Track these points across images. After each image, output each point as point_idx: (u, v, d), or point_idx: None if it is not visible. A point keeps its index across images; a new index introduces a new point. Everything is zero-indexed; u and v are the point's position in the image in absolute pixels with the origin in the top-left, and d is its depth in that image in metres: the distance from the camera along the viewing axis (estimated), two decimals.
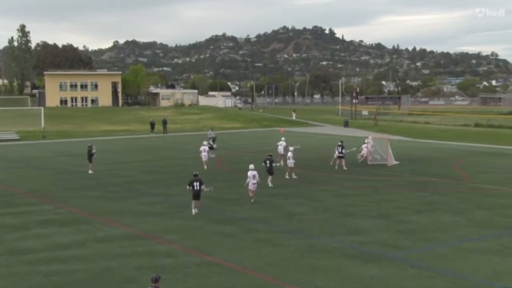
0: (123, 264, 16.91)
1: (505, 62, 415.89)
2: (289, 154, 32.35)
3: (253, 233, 20.67)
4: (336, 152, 36.99)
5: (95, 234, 20.46)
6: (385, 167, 37.59)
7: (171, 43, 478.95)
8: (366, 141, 40.40)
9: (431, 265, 16.91)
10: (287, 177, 32.30)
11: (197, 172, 25.00)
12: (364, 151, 39.51)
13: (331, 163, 37.12)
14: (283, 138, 40.72)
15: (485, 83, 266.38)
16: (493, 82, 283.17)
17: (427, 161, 40.43)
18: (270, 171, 29.60)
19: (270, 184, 29.87)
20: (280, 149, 38.55)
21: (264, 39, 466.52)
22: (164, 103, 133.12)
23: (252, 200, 25.87)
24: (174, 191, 29.24)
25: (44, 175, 35.58)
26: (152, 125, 68.46)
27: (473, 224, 22.07)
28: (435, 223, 22.28)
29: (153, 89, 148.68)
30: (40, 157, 45.52)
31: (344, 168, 36.23)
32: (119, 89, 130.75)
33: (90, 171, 34.95)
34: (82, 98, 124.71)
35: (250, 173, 25.95)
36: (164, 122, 68.85)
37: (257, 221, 22.55)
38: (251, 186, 25.92)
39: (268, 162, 29.91)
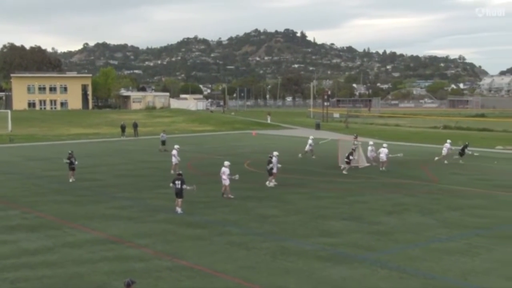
0: (93, 269, 16.67)
1: (472, 65, 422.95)
2: (274, 159, 31.46)
3: (225, 236, 20.58)
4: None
5: (64, 239, 20.16)
6: (357, 169, 37.79)
7: (142, 46, 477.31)
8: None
9: (401, 265, 17.02)
10: (270, 184, 31.10)
11: (180, 172, 25.83)
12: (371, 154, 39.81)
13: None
14: (311, 137, 45.21)
15: (453, 86, 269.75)
16: (461, 85, 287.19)
17: (398, 163, 40.73)
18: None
19: (269, 184, 30.68)
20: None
21: (236, 42, 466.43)
22: (135, 106, 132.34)
23: (224, 196, 26.92)
24: (145, 195, 29.02)
25: (11, 179, 34.93)
26: (123, 128, 67.82)
27: (442, 225, 22.30)
28: (406, 224, 22.46)
29: (124, 92, 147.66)
30: (7, 161, 44.76)
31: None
32: (89, 92, 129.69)
33: (70, 179, 33.10)
34: (51, 101, 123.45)
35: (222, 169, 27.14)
36: (135, 125, 68.24)
37: (229, 224, 22.48)
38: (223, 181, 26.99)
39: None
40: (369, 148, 40.06)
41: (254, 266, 17.05)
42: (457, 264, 17.20)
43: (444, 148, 41.37)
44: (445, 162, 40.28)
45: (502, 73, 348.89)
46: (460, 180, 33.58)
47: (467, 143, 43.77)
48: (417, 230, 21.46)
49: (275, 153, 32.08)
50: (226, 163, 27.62)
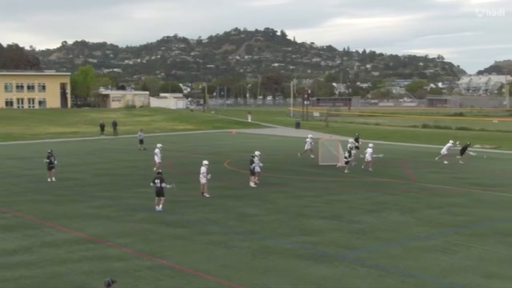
0: (72, 269, 16.56)
1: (450, 65, 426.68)
2: (255, 158, 31.26)
3: (206, 235, 20.56)
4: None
5: (42, 239, 20.00)
6: (337, 168, 37.93)
7: (122, 44, 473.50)
8: (350, 141, 40.99)
9: (381, 264, 17.13)
10: (253, 185, 30.80)
11: (160, 170, 26.13)
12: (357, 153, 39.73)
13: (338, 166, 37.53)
14: (310, 135, 45.00)
15: (432, 85, 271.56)
16: (440, 84, 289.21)
17: (377, 162, 40.92)
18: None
19: (251, 184, 30.47)
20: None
21: (216, 41, 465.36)
22: (114, 104, 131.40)
23: (206, 195, 26.94)
24: (125, 194, 28.88)
25: None
26: (102, 127, 67.48)
27: (421, 223, 22.47)
28: (386, 222, 22.61)
29: (103, 91, 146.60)
30: None
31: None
32: (68, 91, 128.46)
33: (49, 179, 32.60)
34: (29, 100, 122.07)
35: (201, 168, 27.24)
36: (114, 124, 67.86)
37: (209, 223, 22.45)
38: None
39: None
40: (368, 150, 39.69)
41: (235, 265, 17.05)
42: (436, 262, 17.36)
43: (444, 148, 41.24)
44: (445, 162, 40.12)
45: (480, 72, 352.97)
46: (438, 179, 33.86)
47: (468, 142, 43.56)
48: (397, 229, 21.62)
49: (257, 152, 31.95)
50: (205, 162, 27.61)
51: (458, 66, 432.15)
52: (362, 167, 37.19)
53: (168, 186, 24.55)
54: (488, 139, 58.76)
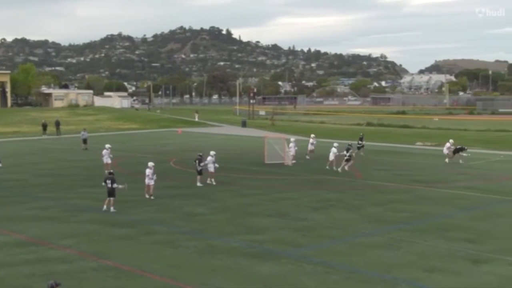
0: (13, 273, 16.12)
1: (393, 64, 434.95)
2: (209, 158, 31.06)
3: (152, 235, 20.38)
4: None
5: None
6: (282, 166, 38.18)
7: (64, 42, 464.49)
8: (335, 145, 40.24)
9: (327, 260, 17.32)
10: (208, 182, 30.84)
11: (112, 171, 25.72)
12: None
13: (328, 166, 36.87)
14: (313, 135, 44.38)
15: (375, 83, 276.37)
16: (383, 83, 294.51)
17: (323, 160, 41.36)
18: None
19: (198, 184, 30.16)
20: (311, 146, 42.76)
21: (161, 39, 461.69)
22: (57, 103, 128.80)
23: (147, 196, 26.54)
24: (68, 195, 28.34)
25: None
26: (44, 127, 66.02)
27: (366, 220, 22.82)
28: (331, 220, 22.87)
29: (45, 89, 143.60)
30: None
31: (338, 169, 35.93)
32: (8, 89, 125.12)
33: None
34: None
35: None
36: (57, 124, 66.48)
37: (155, 223, 22.26)
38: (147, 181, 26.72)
39: (197, 161, 30.09)
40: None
41: (181, 265, 16.96)
42: (380, 258, 17.66)
43: (445, 148, 41.00)
44: (446, 160, 40.09)
45: (421, 71, 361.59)
46: (382, 176, 34.45)
47: (465, 148, 41.64)
48: (342, 226, 21.90)
49: (212, 152, 31.66)
50: (150, 163, 27.19)
51: (401, 65, 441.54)
52: (327, 167, 36.95)
53: (120, 186, 24.28)
54: (429, 136, 60.15)
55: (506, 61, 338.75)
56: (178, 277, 15.88)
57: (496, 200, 27.16)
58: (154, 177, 26.83)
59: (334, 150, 36.96)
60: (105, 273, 16.17)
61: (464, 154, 40.60)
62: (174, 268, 16.64)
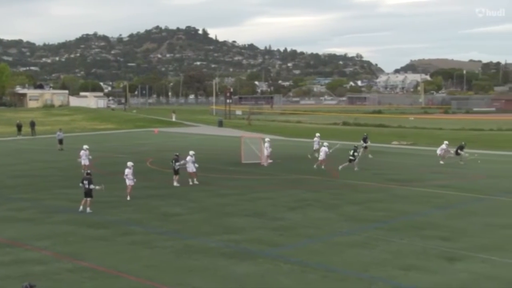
0: None
1: (369, 63, 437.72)
2: (188, 158, 30.88)
3: (128, 236, 20.27)
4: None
5: None
6: (259, 166, 38.20)
7: (39, 42, 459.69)
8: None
9: (304, 260, 17.37)
10: (190, 183, 30.61)
11: (89, 171, 25.42)
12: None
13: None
14: (317, 134, 43.16)
15: (351, 83, 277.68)
16: (359, 83, 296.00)
17: (300, 160, 41.56)
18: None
19: (175, 184, 30.09)
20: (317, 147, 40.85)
21: (137, 39, 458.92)
22: (32, 104, 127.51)
23: (128, 198, 26.27)
24: (44, 196, 28.08)
25: None
26: (19, 127, 65.34)
27: (343, 219, 22.93)
28: (308, 219, 22.93)
29: (19, 90, 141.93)
30: None
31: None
32: None
33: None
34: None
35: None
36: (32, 124, 65.85)
37: (132, 224, 22.15)
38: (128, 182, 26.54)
39: (174, 161, 30.06)
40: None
41: (158, 265, 16.88)
42: (357, 257, 17.75)
43: (439, 149, 40.03)
44: (441, 162, 39.14)
45: (397, 71, 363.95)
46: (359, 175, 34.56)
47: (463, 143, 41.06)
48: (319, 225, 21.97)
49: (191, 152, 31.54)
50: (129, 163, 27.07)
51: (376, 64, 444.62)
52: (315, 166, 36.87)
53: (97, 187, 24.14)
54: (405, 135, 60.66)
55: (480, 61, 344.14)
56: (155, 277, 15.81)
57: (470, 198, 27.47)
58: (134, 178, 26.62)
59: (325, 149, 36.93)
60: (81, 274, 16.05)
61: (462, 153, 39.33)
62: (151, 269, 16.57)
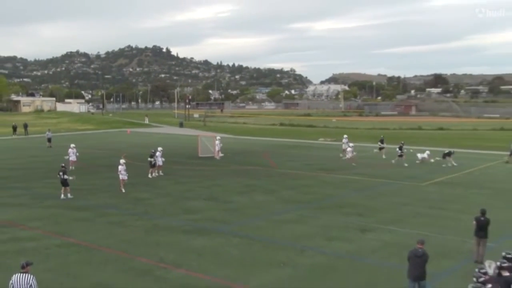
0: None
1: (300, 76, 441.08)
2: (158, 153, 30.26)
3: (106, 217, 19.91)
4: (398, 151, 34.99)
5: None
6: (213, 159, 38.07)
7: (31, 58, 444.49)
8: (345, 141, 38.47)
9: (250, 234, 17.44)
10: (155, 174, 29.81)
11: (63, 164, 24.75)
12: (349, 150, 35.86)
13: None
14: (345, 136, 41.25)
15: (286, 92, 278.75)
16: (292, 91, 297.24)
17: (246, 153, 41.58)
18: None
19: (149, 176, 29.14)
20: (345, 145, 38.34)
21: (112, 56, 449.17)
22: (25, 109, 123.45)
23: (123, 190, 25.08)
24: (35, 184, 27.28)
25: None
26: (14, 128, 63.33)
27: (281, 201, 23.08)
28: (253, 202, 23.00)
29: (14, 97, 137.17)
30: None
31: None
32: None
33: None
34: None
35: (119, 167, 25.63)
36: (25, 126, 63.97)
37: (109, 207, 21.76)
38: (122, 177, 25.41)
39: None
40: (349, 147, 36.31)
41: (131, 240, 16.67)
42: (291, 231, 17.93)
43: (419, 154, 36.34)
44: (431, 160, 35.40)
45: (322, 82, 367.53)
46: (294, 166, 34.81)
47: (452, 151, 35.91)
48: (262, 206, 22.07)
49: (159, 148, 31.11)
50: (122, 161, 26.18)
51: (306, 77, 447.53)
52: (343, 158, 36.23)
53: (70, 178, 23.73)
54: (329, 134, 61.37)
55: (385, 75, 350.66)
56: (129, 250, 15.62)
57: (380, 183, 28.05)
58: (127, 174, 25.63)
59: (350, 149, 35.67)
60: (68, 249, 15.73)
61: (450, 159, 34.55)
62: (125, 243, 16.35)
